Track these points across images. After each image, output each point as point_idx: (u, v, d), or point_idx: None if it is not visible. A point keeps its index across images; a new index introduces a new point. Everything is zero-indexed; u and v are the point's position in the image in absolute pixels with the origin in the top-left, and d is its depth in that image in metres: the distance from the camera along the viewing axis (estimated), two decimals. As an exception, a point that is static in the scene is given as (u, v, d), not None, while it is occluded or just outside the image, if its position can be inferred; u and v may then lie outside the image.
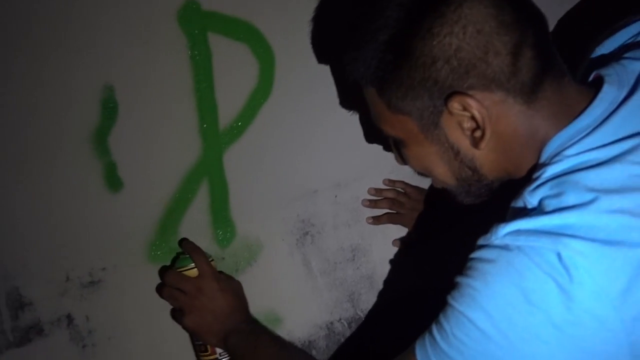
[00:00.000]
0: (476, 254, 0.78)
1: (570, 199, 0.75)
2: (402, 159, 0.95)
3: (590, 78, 0.87)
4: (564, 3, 1.33)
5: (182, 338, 1.12)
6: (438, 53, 0.79)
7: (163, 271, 1.11)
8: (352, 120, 1.23)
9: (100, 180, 1.06)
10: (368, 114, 0.93)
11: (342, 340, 1.28)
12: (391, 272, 1.32)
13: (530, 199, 0.78)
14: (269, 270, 1.21)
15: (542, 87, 0.81)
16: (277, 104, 1.17)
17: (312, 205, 1.24)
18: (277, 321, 1.21)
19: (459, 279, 0.78)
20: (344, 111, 1.22)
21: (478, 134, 0.82)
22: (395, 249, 1.32)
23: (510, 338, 0.74)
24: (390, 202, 1.30)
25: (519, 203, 0.79)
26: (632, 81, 0.82)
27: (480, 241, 0.78)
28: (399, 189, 1.31)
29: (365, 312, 1.30)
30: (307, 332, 1.25)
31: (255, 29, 1.13)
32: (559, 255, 0.72)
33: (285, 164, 1.20)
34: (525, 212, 0.78)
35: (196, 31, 1.09)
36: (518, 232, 0.75)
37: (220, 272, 1.14)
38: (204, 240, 1.15)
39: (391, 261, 1.32)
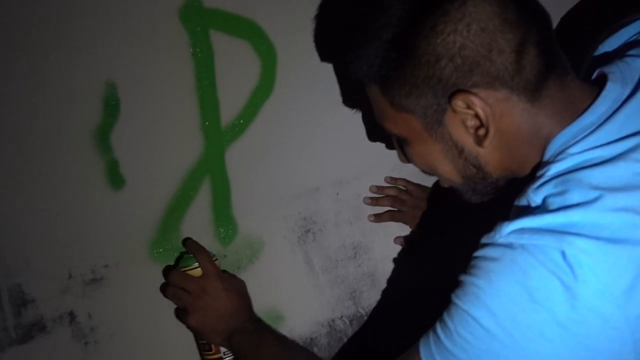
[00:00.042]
0: (480, 253, 0.78)
1: (574, 197, 0.75)
2: (406, 158, 0.95)
3: (594, 76, 0.86)
4: (567, 1, 1.33)
5: (183, 335, 1.12)
6: (442, 51, 0.79)
7: (167, 271, 1.11)
8: (353, 118, 1.23)
9: (102, 178, 1.06)
10: (370, 111, 0.93)
11: (344, 337, 1.28)
12: (393, 270, 1.32)
13: (534, 197, 0.78)
14: (270, 268, 1.21)
15: (546, 85, 0.80)
16: (279, 101, 1.17)
17: (314, 202, 1.24)
18: (278, 318, 1.21)
19: (463, 278, 0.78)
20: (345, 109, 1.22)
21: (482, 132, 0.82)
22: (396, 247, 1.32)
23: (515, 336, 0.74)
24: (391, 199, 1.30)
25: (522, 201, 0.79)
26: (635, 79, 0.82)
27: (484, 240, 0.78)
28: (401, 187, 1.31)
29: (367, 309, 1.30)
30: (309, 329, 1.25)
31: (257, 27, 1.13)
32: (563, 254, 0.72)
33: (287, 162, 1.20)
34: (529, 211, 0.78)
35: (198, 29, 1.09)
36: (522, 231, 0.75)
37: (224, 271, 1.14)
38: (205, 237, 1.15)
39: (393, 259, 1.32)
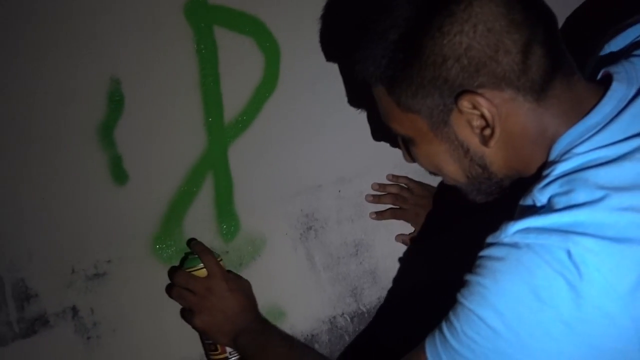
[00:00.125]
0: (485, 252, 0.78)
1: (580, 196, 0.75)
2: (411, 157, 0.95)
3: (599, 76, 0.87)
4: (573, 0, 1.33)
5: (185, 330, 1.12)
6: (448, 52, 0.79)
7: (172, 271, 1.11)
8: (356, 116, 1.23)
9: (105, 173, 1.06)
10: (373, 110, 0.93)
11: (345, 334, 1.29)
12: (395, 268, 1.32)
13: (540, 196, 0.78)
14: (272, 265, 1.21)
15: (552, 85, 0.81)
16: (282, 98, 1.17)
17: (316, 200, 1.24)
18: (280, 315, 1.22)
19: (469, 277, 0.79)
20: (348, 106, 1.23)
21: (487, 132, 0.82)
22: (398, 244, 1.32)
23: (521, 335, 0.74)
24: (393, 197, 1.30)
25: (528, 201, 0.80)
26: None
27: (490, 239, 0.79)
28: (403, 185, 1.32)
29: (368, 306, 1.31)
30: (310, 326, 1.26)
31: (261, 23, 1.13)
32: (568, 253, 0.72)
33: (290, 159, 1.21)
34: (534, 210, 0.78)
35: (202, 24, 1.08)
36: (527, 230, 0.75)
37: (229, 271, 1.14)
38: (208, 234, 1.15)
39: (394, 256, 1.32)
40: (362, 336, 1.29)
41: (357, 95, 1.20)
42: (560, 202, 0.76)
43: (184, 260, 1.12)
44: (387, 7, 0.83)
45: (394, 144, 1.09)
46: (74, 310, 1.06)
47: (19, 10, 0.96)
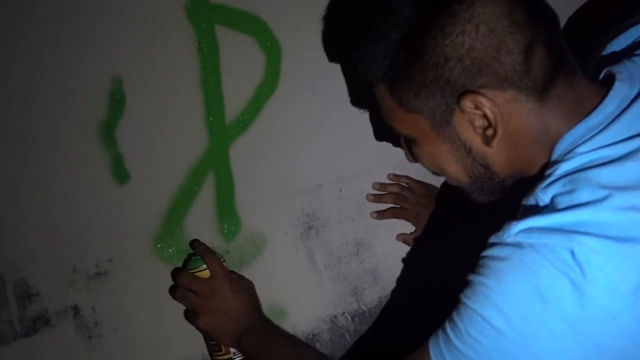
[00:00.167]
0: (488, 252, 0.78)
1: (582, 196, 0.75)
2: (413, 157, 0.95)
3: (602, 75, 0.87)
4: (575, 0, 1.33)
5: (187, 330, 1.12)
6: (450, 52, 0.79)
7: (175, 273, 1.11)
8: (357, 115, 1.23)
9: (107, 173, 1.06)
10: (374, 109, 0.93)
11: (345, 334, 1.29)
12: (396, 267, 1.32)
13: (543, 196, 0.78)
14: (273, 264, 1.21)
15: (554, 85, 0.81)
16: (284, 97, 1.17)
17: (317, 199, 1.24)
18: (281, 314, 1.22)
19: (472, 277, 0.79)
20: (349, 106, 1.22)
21: (490, 132, 0.82)
22: (399, 244, 1.32)
23: (525, 335, 0.74)
24: (394, 196, 1.30)
25: (531, 200, 0.80)
26: None
27: (492, 239, 0.79)
28: (404, 184, 1.31)
29: (369, 306, 1.31)
30: (311, 325, 1.26)
31: (262, 22, 1.13)
32: (572, 252, 0.72)
33: (291, 158, 1.21)
34: (537, 210, 0.78)
35: (204, 24, 1.08)
36: (530, 230, 0.75)
37: (232, 271, 1.14)
38: (209, 233, 1.15)
39: (395, 256, 1.32)
40: (364, 336, 1.30)
41: (359, 95, 1.20)
42: (563, 201, 0.76)
43: (187, 261, 1.12)
44: (389, 7, 0.83)
45: (395, 143, 1.09)
46: (76, 309, 1.06)
47: (19, 10, 0.96)
